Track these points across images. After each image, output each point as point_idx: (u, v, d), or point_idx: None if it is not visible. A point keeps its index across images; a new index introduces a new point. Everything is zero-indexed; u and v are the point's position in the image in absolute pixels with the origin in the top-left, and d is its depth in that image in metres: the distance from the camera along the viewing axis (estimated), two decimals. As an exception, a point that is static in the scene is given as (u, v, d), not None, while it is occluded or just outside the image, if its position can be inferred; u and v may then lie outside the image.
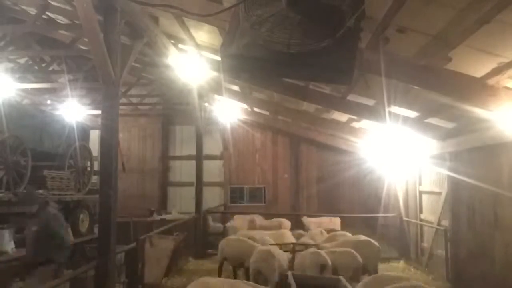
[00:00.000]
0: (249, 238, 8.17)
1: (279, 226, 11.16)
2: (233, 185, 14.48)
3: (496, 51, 4.15)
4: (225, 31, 3.22)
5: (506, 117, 4.78)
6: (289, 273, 5.53)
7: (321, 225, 11.50)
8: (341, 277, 5.36)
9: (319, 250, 6.96)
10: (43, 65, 11.96)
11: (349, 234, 9.45)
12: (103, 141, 5.48)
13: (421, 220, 9.95)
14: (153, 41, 6.63)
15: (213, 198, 14.25)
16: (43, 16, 8.72)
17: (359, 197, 13.75)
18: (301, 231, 10.32)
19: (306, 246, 8.02)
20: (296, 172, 14.24)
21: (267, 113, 12.69)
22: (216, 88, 10.42)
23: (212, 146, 14.44)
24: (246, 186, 14.42)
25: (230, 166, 14.51)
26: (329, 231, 10.61)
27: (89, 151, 11.55)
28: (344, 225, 11.84)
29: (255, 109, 12.73)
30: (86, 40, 6.64)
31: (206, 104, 12.08)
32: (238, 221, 11.76)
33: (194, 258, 10.57)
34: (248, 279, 6.64)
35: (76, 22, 8.29)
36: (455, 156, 7.55)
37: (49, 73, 11.88)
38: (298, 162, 14.27)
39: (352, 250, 6.89)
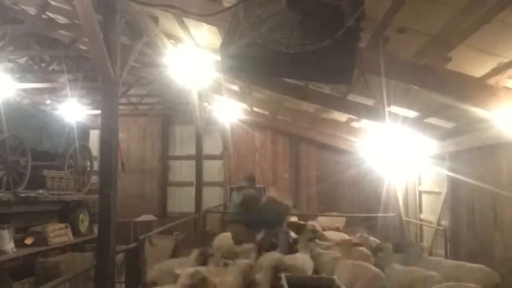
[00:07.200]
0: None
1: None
2: (233, 185, 14.45)
3: (495, 51, 4.14)
4: (225, 31, 3.22)
5: (505, 117, 4.77)
6: (282, 274, 5.45)
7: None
8: (335, 277, 5.31)
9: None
10: (43, 65, 11.95)
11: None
12: (103, 141, 5.47)
13: (420, 220, 9.94)
14: (153, 41, 6.63)
15: (213, 198, 14.24)
16: (43, 16, 8.72)
17: (359, 197, 13.73)
18: None
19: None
20: (296, 172, 14.21)
21: (267, 113, 12.67)
22: (216, 88, 10.42)
23: (212, 146, 14.42)
24: (246, 186, 14.39)
25: (230, 166, 14.49)
26: None
27: (89, 151, 11.57)
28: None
29: (255, 109, 12.72)
30: (86, 40, 6.64)
31: (206, 104, 12.06)
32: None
33: (194, 258, 10.55)
34: None
35: (76, 22, 8.29)
36: (455, 156, 7.54)
37: (49, 73, 11.87)
38: (298, 162, 14.24)
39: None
